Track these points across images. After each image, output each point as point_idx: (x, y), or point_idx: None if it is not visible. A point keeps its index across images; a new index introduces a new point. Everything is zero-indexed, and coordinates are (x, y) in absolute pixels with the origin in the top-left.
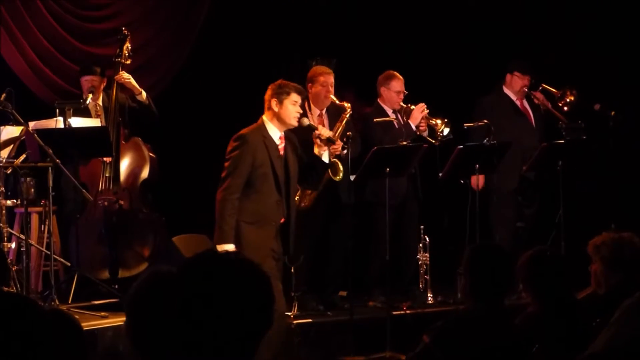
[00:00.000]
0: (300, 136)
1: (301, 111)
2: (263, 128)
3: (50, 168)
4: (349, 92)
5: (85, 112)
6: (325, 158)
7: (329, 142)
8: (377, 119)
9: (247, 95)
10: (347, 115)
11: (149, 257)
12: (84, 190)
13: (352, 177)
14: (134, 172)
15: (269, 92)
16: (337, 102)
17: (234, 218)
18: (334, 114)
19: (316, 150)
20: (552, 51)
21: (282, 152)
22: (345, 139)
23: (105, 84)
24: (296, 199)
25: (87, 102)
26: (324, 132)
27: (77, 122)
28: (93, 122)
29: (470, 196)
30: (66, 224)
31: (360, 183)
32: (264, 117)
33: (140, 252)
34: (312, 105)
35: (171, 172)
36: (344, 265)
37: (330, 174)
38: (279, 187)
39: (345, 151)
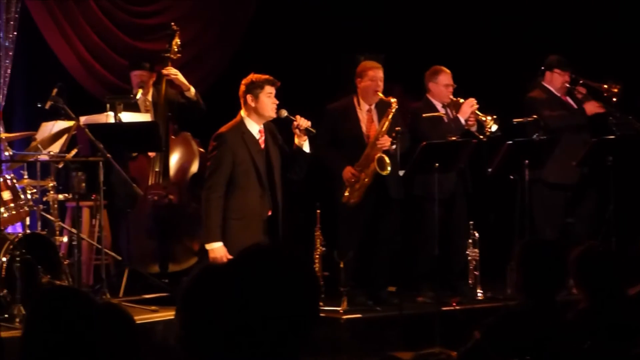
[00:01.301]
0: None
1: (277, 102)
2: (242, 124)
3: (100, 162)
4: (396, 87)
5: (135, 107)
6: (306, 148)
7: (308, 132)
8: (426, 114)
9: (294, 92)
10: (393, 110)
11: (199, 251)
12: (134, 185)
13: (401, 173)
14: (184, 167)
15: (242, 89)
16: (384, 97)
17: (219, 216)
18: (383, 109)
19: (296, 141)
20: (591, 46)
21: (262, 146)
22: (394, 134)
23: (154, 79)
24: (345, 194)
25: (137, 97)
26: (303, 122)
27: (127, 117)
28: (143, 117)
29: (520, 191)
30: (116, 218)
31: (410, 178)
32: (242, 113)
33: (190, 247)
34: (360, 100)
35: None
36: (392, 260)
37: (378, 168)
38: (262, 181)
39: (394, 146)
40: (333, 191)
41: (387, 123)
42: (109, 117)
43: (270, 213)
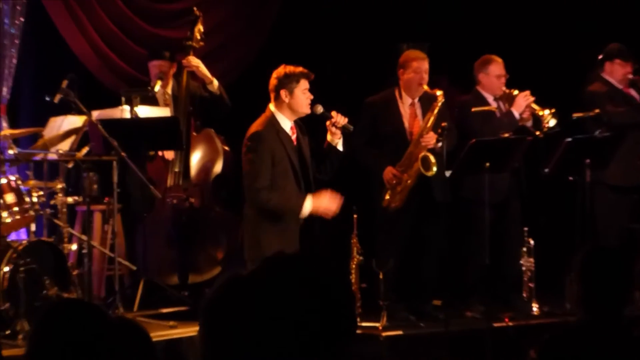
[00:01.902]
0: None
1: (312, 97)
2: (274, 120)
3: (115, 162)
4: (442, 79)
5: (153, 101)
6: (340, 146)
7: (344, 129)
8: (476, 108)
9: (328, 85)
10: (440, 104)
11: (223, 260)
12: (151, 187)
13: (447, 173)
14: (206, 167)
15: (274, 82)
16: (429, 90)
17: (287, 198)
18: (428, 103)
19: (329, 138)
20: None
21: (295, 143)
22: (439, 131)
23: (175, 70)
24: (386, 197)
25: (156, 89)
26: (340, 119)
27: (144, 111)
28: (162, 112)
29: (580, 194)
30: (132, 224)
31: (457, 179)
32: (272, 108)
33: (213, 255)
34: (403, 93)
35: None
36: (438, 270)
37: (422, 169)
38: (299, 181)
39: (439, 144)
40: (372, 194)
41: (432, 118)
42: (125, 112)
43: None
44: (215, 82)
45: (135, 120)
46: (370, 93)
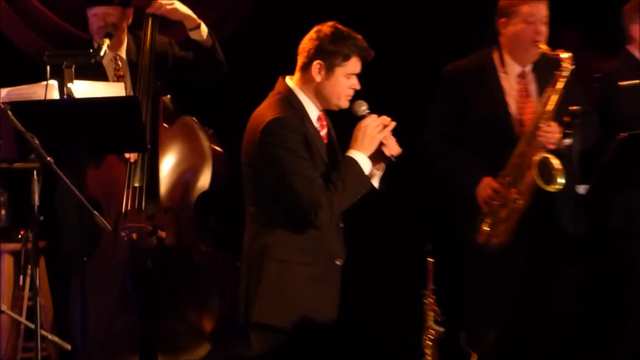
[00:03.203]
0: None
1: (358, 87)
2: (295, 102)
3: (35, 172)
4: (571, 34)
5: (97, 72)
6: (376, 183)
7: (389, 162)
8: (626, 82)
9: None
10: (566, 75)
11: (212, 333)
12: (95, 213)
13: (582, 188)
14: (185, 180)
15: (309, 46)
16: (549, 52)
17: (341, 193)
18: (547, 73)
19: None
20: None
21: (325, 140)
22: (567, 119)
23: (130, 20)
24: (483, 229)
25: (102, 53)
26: (393, 145)
27: (83, 88)
28: (111, 89)
29: None
30: (63, 274)
31: (600, 198)
32: (292, 83)
33: (197, 325)
34: (506, 58)
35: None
36: (566, 340)
37: (540, 180)
38: None
39: (567, 140)
40: (458, 223)
41: (555, 97)
42: (51, 90)
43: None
44: (204, 28)
45: (69, 103)
46: (449, 59)
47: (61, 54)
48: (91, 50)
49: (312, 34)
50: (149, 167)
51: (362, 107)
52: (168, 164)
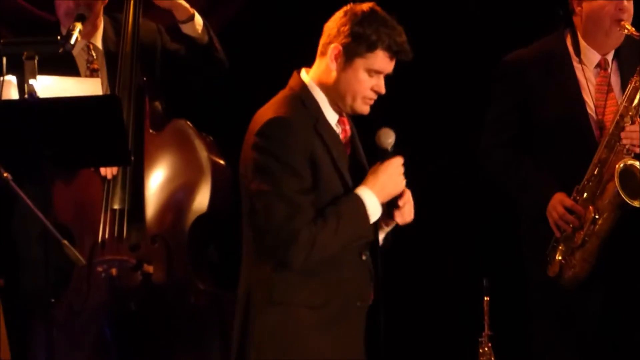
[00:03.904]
0: None
1: (382, 90)
2: (309, 99)
3: None
4: None
5: (65, 64)
6: (381, 236)
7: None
8: None
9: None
10: None
11: None
12: (65, 243)
13: None
14: (177, 199)
15: (333, 26)
16: (635, 33)
17: (339, 217)
18: (632, 61)
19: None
20: None
21: (346, 145)
22: None
23: (106, 1)
24: (556, 258)
25: (72, 40)
26: (408, 207)
27: (49, 85)
28: (84, 86)
29: None
30: (25, 319)
31: None
32: (307, 77)
33: None
34: (581, 44)
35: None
36: None
37: (624, 194)
38: None
39: None
40: (522, 252)
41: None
42: (8, 87)
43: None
44: (199, 19)
45: (31, 104)
46: (507, 49)
47: (20, 41)
48: (58, 38)
49: (342, 10)
50: (132, 184)
51: (389, 140)
52: (156, 180)
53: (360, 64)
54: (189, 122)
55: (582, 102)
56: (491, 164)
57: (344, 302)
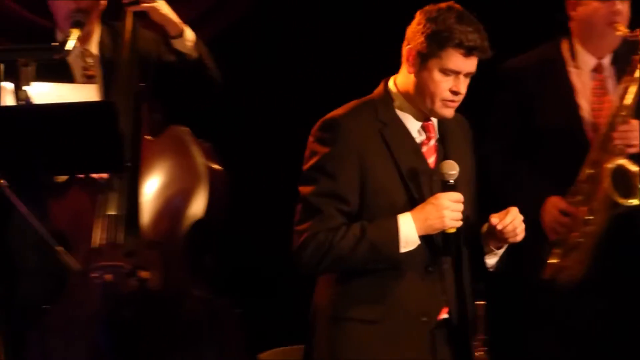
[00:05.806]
0: None
1: (460, 89)
2: (385, 104)
3: None
4: None
5: (62, 71)
6: (492, 263)
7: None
8: None
9: (378, 49)
10: None
11: None
12: (59, 249)
13: None
14: (174, 205)
15: (411, 29)
16: (629, 34)
17: (361, 234)
18: (627, 64)
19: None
20: None
21: (431, 161)
22: None
23: (104, 7)
24: (550, 261)
25: (69, 46)
26: (511, 227)
27: (45, 91)
28: (80, 92)
29: None
30: (19, 326)
31: None
32: (392, 84)
33: None
34: (577, 49)
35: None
36: None
37: (616, 194)
38: (428, 240)
39: None
40: (516, 254)
41: (634, 89)
42: (4, 94)
43: (446, 312)
44: (189, 33)
45: (27, 109)
46: (508, 54)
47: (16, 48)
48: (54, 45)
49: (420, 11)
50: (128, 190)
51: (452, 172)
52: (152, 186)
53: (434, 64)
54: (186, 129)
55: (576, 107)
56: (492, 170)
57: (404, 317)
